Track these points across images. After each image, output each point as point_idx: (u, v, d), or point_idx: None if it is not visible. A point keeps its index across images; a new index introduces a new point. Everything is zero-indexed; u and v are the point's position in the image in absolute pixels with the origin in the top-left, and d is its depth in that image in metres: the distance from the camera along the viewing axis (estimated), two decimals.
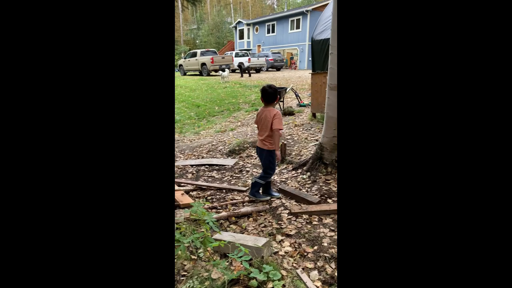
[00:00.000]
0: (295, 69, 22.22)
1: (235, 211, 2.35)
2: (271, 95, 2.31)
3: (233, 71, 16.99)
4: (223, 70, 12.89)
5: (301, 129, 4.74)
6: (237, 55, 18.50)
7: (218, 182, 3.12)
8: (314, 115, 5.26)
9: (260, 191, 2.56)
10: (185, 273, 1.60)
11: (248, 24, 27.86)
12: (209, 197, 2.76)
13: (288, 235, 2.01)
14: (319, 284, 1.55)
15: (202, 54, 16.72)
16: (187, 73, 17.43)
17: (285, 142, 3.82)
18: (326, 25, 5.32)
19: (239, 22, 29.13)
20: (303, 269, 1.67)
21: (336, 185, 2.68)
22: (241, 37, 28.71)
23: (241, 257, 1.49)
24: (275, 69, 19.91)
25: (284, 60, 21.56)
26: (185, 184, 3.03)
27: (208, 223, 1.71)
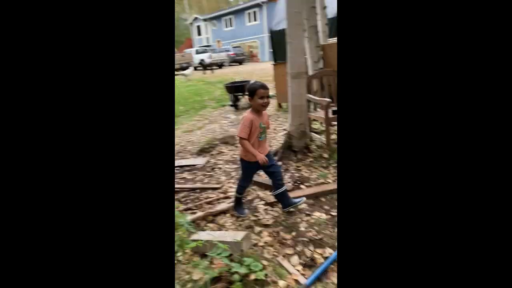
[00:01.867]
0: (257, 61, 22.26)
1: (211, 210, 2.32)
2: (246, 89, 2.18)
3: (195, 68, 16.65)
4: (185, 69, 12.57)
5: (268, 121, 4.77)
6: (197, 52, 18.12)
7: (190, 183, 3.05)
8: (279, 105, 5.32)
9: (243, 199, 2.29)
10: None
11: (205, 20, 27.31)
12: (182, 199, 2.69)
13: (266, 225, 2.03)
14: (300, 268, 1.59)
15: None
16: None
17: None
18: (283, 15, 5.36)
19: (196, 18, 28.46)
20: (283, 256, 1.70)
21: (307, 171, 2.75)
22: (199, 33, 28.10)
23: (220, 253, 1.48)
24: (237, 63, 19.77)
25: (246, 54, 21.49)
26: None
27: (183, 225, 1.67)
